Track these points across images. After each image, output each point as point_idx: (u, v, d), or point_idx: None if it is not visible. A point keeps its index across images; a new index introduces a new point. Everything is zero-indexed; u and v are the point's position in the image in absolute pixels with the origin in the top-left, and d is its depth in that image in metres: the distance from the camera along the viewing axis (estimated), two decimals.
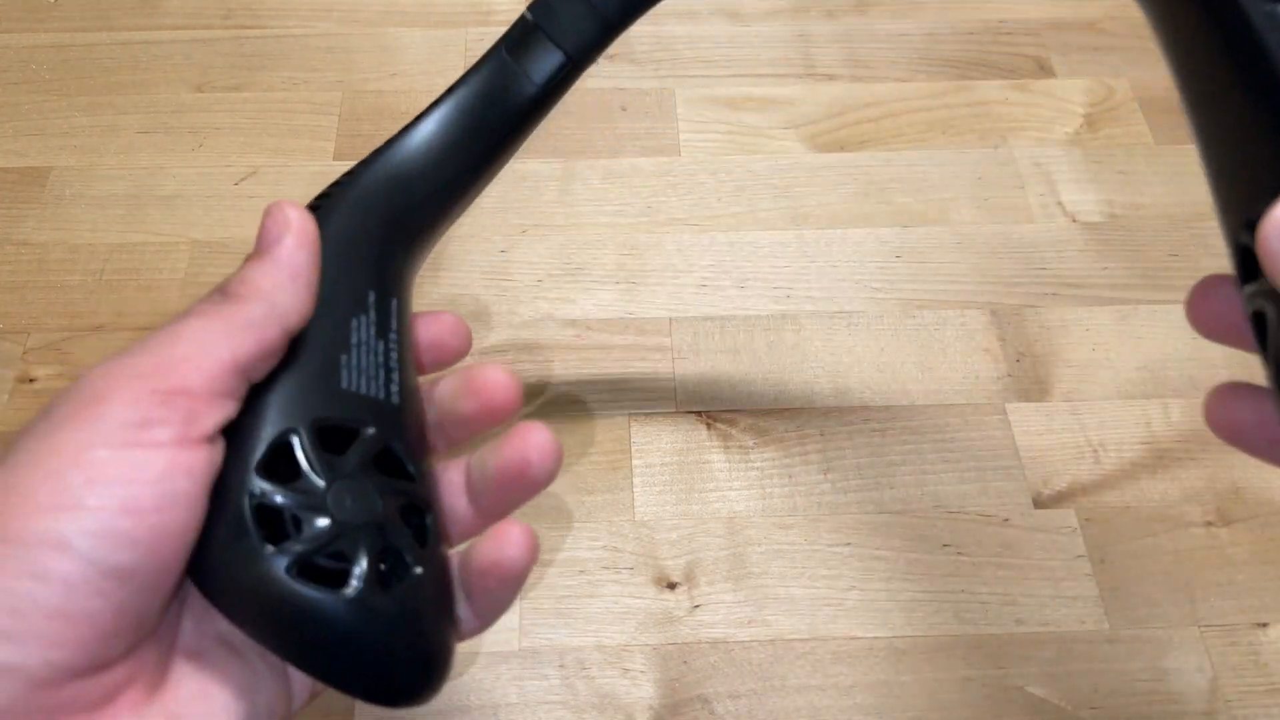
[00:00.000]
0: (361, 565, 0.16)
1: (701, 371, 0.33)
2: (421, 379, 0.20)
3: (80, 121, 0.39)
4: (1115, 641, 0.29)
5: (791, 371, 0.33)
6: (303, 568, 0.16)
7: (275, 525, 0.16)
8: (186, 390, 0.16)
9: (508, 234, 0.36)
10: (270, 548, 0.16)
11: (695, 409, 0.32)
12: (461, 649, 0.29)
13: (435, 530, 0.18)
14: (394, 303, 0.19)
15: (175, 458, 0.15)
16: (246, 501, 0.16)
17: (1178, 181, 0.38)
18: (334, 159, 0.38)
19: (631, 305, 0.35)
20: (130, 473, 0.15)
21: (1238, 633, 0.29)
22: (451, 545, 0.19)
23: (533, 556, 0.18)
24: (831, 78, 0.41)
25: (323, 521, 0.16)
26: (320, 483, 0.17)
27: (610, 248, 0.36)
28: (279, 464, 0.17)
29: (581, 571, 0.29)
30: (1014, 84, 0.41)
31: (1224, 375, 0.34)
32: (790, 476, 0.31)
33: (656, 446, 0.32)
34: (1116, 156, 0.39)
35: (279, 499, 0.16)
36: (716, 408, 0.33)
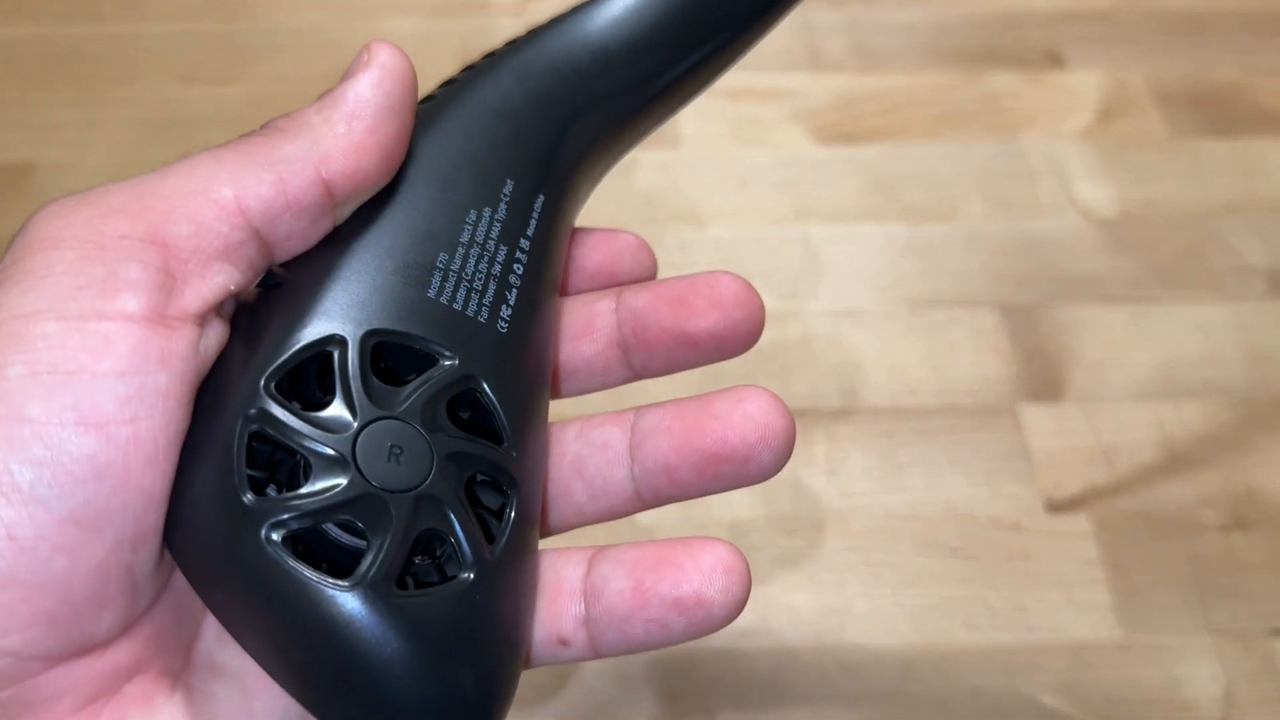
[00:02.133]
0: (380, 549, 0.11)
1: (703, 371, 0.33)
2: (589, 294, 0.14)
3: (66, 115, 0.38)
4: (1128, 649, 0.28)
5: (796, 372, 0.33)
6: (300, 536, 0.11)
7: (279, 469, 0.12)
8: (165, 241, 0.11)
9: None
10: (253, 498, 0.11)
11: None
12: None
13: (516, 521, 0.13)
14: (539, 202, 0.14)
15: (147, 340, 0.11)
16: (239, 425, 0.11)
17: (1193, 177, 0.37)
18: None
19: None
20: (85, 358, 0.10)
21: (1252, 640, 0.28)
22: (561, 530, 0.14)
23: (733, 601, 0.12)
24: (837, 69, 0.40)
25: (339, 476, 0.11)
26: (350, 419, 0.12)
27: None
28: (307, 386, 0.12)
29: None
30: (1025, 76, 0.40)
31: (1239, 376, 0.33)
32: (795, 480, 0.31)
33: None
34: (1130, 151, 0.38)
35: (288, 429, 0.11)
36: None
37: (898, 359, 0.33)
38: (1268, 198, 0.37)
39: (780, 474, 0.31)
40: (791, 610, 0.29)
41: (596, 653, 0.13)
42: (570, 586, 0.13)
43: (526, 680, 0.27)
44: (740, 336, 0.14)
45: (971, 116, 0.39)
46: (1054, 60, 0.40)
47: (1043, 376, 0.33)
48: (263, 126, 0.13)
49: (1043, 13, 0.42)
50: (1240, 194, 0.37)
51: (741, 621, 0.28)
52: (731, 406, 0.14)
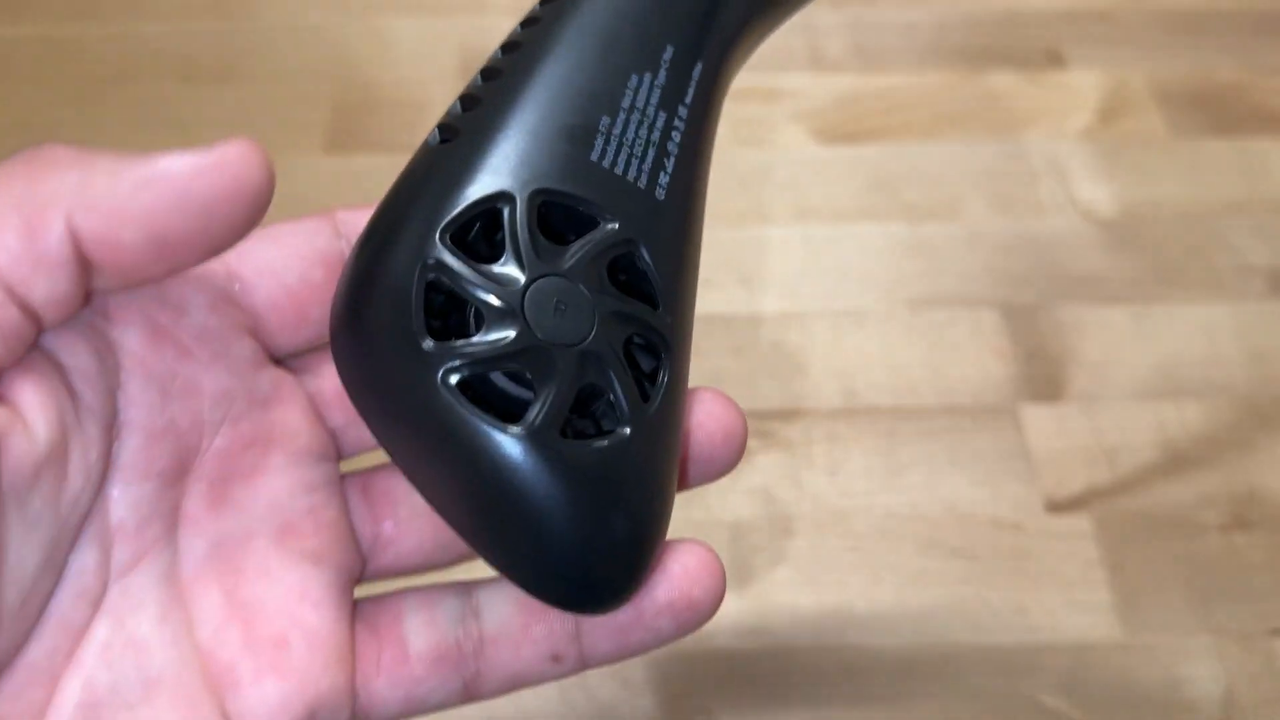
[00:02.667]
0: (547, 399, 0.12)
1: (704, 372, 0.32)
2: None
3: (65, 115, 0.38)
4: (1129, 650, 0.28)
5: (797, 372, 0.33)
6: (471, 382, 0.12)
7: (449, 316, 0.12)
8: None
9: None
10: (432, 343, 0.12)
11: None
12: None
13: (668, 381, 0.13)
14: (698, 69, 0.14)
15: None
16: (418, 272, 0.12)
17: (1193, 177, 0.37)
18: (324, 152, 0.37)
19: None
20: None
21: (1253, 640, 0.28)
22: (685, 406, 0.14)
23: (716, 598, 0.13)
24: (838, 69, 0.40)
25: (509, 327, 0.12)
26: (519, 274, 0.12)
27: None
28: (477, 239, 0.13)
29: None
30: (1025, 76, 0.40)
31: (1240, 376, 0.33)
32: (795, 481, 0.31)
33: None
34: (1131, 150, 0.38)
35: (463, 280, 0.12)
36: None
37: (898, 359, 0.33)
38: (1269, 197, 0.37)
39: (780, 474, 0.31)
40: (791, 610, 0.28)
41: (585, 665, 0.14)
42: None
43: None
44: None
45: (972, 116, 0.39)
46: (1054, 60, 0.40)
47: (1043, 376, 0.33)
48: (44, 146, 0.10)
49: (1043, 13, 0.42)
50: (1241, 194, 0.37)
51: (742, 621, 0.28)
52: (704, 419, 0.14)
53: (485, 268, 0.12)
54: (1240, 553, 0.30)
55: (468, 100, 0.14)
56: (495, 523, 0.12)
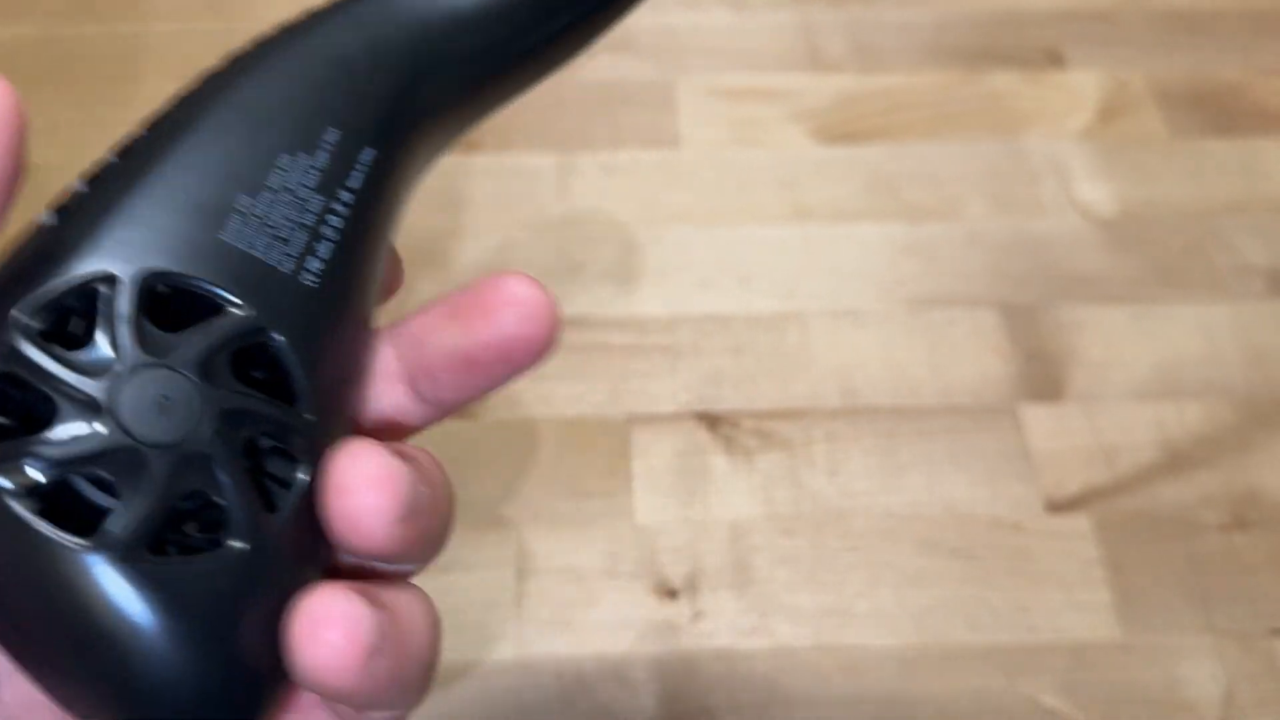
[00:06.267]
0: (133, 507, 0.10)
1: (703, 372, 0.33)
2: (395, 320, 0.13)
3: (66, 116, 0.38)
4: (1129, 649, 0.28)
5: (796, 372, 0.33)
6: (45, 489, 0.10)
7: (28, 413, 0.11)
8: None
9: (502, 230, 0.35)
10: None
11: (697, 411, 0.32)
12: (456, 660, 0.28)
13: (301, 491, 0.11)
14: (367, 155, 0.13)
15: None
16: None
17: (1193, 177, 0.37)
18: None
19: (631, 303, 0.34)
20: None
21: (1253, 640, 0.28)
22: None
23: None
24: (837, 69, 0.40)
25: (93, 423, 0.10)
26: (113, 363, 0.11)
27: (609, 244, 0.35)
28: (75, 326, 0.11)
29: (579, 579, 0.29)
30: (1025, 76, 0.40)
31: (1239, 376, 0.33)
32: (795, 480, 0.31)
33: (656, 449, 0.31)
34: (1130, 151, 0.38)
35: (39, 370, 0.10)
36: (719, 409, 0.32)
37: (898, 359, 0.33)
38: (1268, 197, 0.37)
39: (780, 474, 0.31)
40: (792, 610, 0.28)
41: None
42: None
43: (528, 685, 0.27)
44: (530, 352, 0.13)
45: (971, 116, 0.39)
46: (1054, 60, 0.40)
47: (1043, 376, 0.33)
48: None
49: (1043, 12, 0.42)
50: (1241, 193, 0.37)
51: (741, 621, 0.29)
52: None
53: (73, 357, 0.11)
54: (1240, 553, 0.30)
55: (89, 179, 0.13)
56: (66, 660, 0.10)
